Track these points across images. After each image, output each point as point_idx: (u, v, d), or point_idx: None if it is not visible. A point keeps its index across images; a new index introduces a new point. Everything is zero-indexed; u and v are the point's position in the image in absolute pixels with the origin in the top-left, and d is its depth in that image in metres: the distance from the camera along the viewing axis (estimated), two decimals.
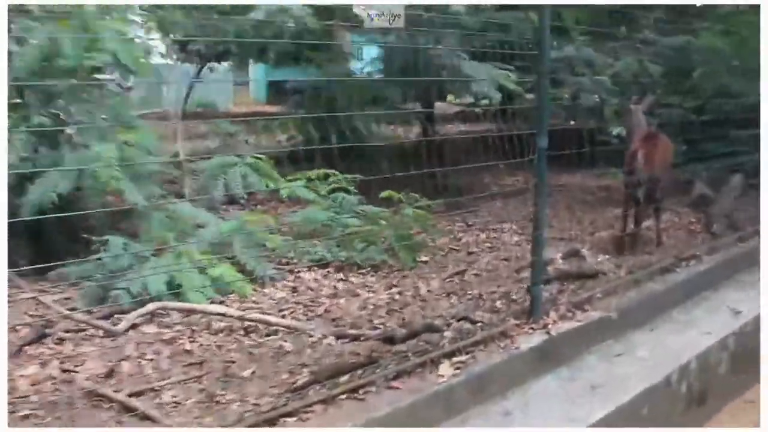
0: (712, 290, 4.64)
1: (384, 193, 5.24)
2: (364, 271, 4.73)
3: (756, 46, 8.02)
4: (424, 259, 5.01)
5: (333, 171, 5.53)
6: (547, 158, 3.43)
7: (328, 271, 4.72)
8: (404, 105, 9.38)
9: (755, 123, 7.72)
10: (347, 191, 5.47)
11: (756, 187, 6.95)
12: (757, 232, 5.65)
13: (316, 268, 4.77)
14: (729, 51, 8.01)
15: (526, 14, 7.22)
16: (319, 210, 5.07)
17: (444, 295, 4.22)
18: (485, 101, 8.55)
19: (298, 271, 4.73)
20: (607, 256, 4.67)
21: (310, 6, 6.70)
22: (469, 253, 5.22)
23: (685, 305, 4.35)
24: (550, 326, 3.52)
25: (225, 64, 24.91)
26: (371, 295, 4.24)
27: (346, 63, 10.19)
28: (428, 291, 4.29)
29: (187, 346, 3.49)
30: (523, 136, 3.54)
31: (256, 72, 26.79)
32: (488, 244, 5.55)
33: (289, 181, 5.60)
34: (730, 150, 7.44)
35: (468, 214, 6.86)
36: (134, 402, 2.77)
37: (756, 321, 4.25)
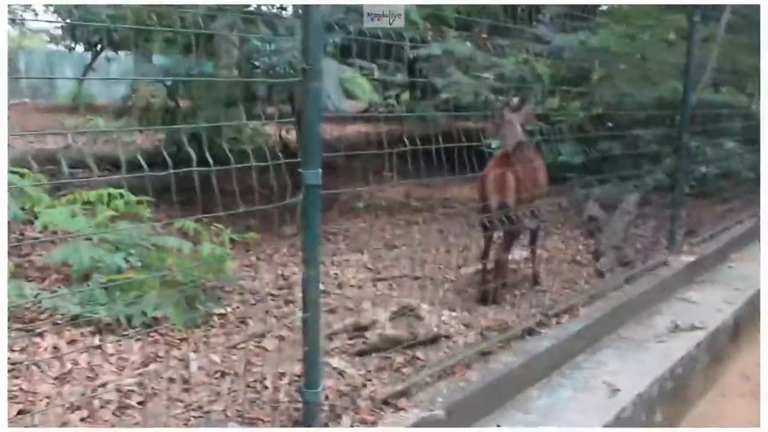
0: (587, 354, 3.62)
1: (178, 224, 3.99)
2: (133, 331, 3.46)
3: (658, 49, 7.29)
4: (222, 311, 3.79)
5: (121, 191, 4.23)
6: (323, 198, 2.25)
7: (82, 333, 3.44)
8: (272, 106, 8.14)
9: (658, 135, 6.95)
10: (141, 218, 4.21)
11: (654, 205, 6.12)
12: (648, 269, 4.73)
13: (70, 328, 3.49)
14: (629, 53, 7.15)
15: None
16: (84, 246, 3.76)
17: (216, 376, 3.01)
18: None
19: (40, 333, 3.43)
20: (454, 313, 3.56)
21: None
22: (288, 302, 4.02)
23: (550, 381, 3.29)
24: None
25: (121, 54, 23.13)
26: (113, 377, 2.99)
27: (230, 55, 8.93)
28: (199, 368, 3.07)
29: None
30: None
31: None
32: (322, 285, 4.37)
33: (68, 203, 4.26)
34: (630, 163, 6.62)
35: (330, 237, 5.73)
36: None
37: (637, 401, 3.25)
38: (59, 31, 20.31)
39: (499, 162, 3.83)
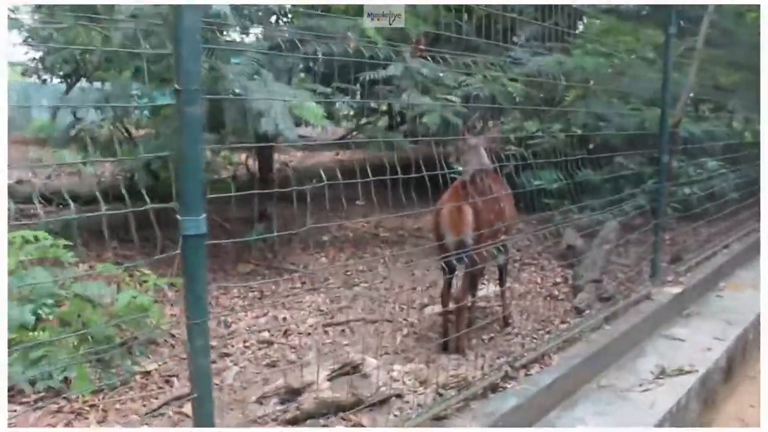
0: (562, 409, 3.16)
1: (99, 267, 3.54)
2: (36, 397, 2.99)
3: (635, 68, 6.95)
4: (149, 367, 3.32)
5: (36, 233, 3.77)
6: (208, 249, 1.80)
7: None
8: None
9: (639, 156, 6.56)
10: (62, 263, 3.75)
11: (638, 230, 5.71)
12: (631, 304, 4.30)
13: None
14: (604, 72, 6.79)
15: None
16: None
17: None
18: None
19: None
20: (408, 366, 3.10)
21: None
22: (224, 355, 3.55)
23: None
24: None
25: (97, 84, 22.65)
26: None
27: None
28: None
29: None
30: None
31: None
32: (268, 333, 3.92)
33: None
34: (611, 187, 6.22)
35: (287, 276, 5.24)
36: None
37: None
38: (33, 63, 19.86)
39: (455, 194, 3.38)
